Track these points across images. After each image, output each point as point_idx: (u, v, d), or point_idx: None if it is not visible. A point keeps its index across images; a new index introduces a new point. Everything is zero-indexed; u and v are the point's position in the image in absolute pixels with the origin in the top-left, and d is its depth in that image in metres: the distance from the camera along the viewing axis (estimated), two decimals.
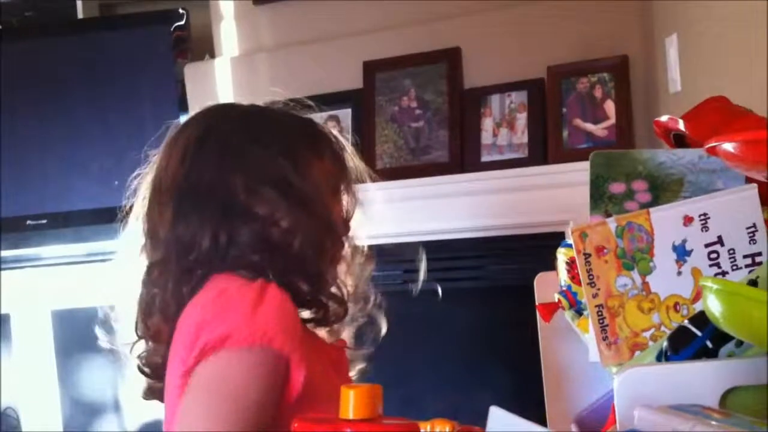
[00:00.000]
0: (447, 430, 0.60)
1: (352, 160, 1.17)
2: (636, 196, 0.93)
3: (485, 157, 2.08)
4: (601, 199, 0.94)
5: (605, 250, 0.80)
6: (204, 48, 2.48)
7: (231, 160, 1.05)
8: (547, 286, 1.36)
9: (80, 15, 2.63)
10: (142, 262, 1.07)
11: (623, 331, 0.80)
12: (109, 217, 2.46)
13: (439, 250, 1.98)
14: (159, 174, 1.08)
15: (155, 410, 2.40)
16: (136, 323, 1.06)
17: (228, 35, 2.42)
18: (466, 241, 2.03)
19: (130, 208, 1.14)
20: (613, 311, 0.80)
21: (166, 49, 2.53)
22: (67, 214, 2.52)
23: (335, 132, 1.20)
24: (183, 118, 2.37)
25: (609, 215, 0.90)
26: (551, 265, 1.24)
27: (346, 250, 1.13)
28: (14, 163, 2.58)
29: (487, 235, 2.01)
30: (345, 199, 1.15)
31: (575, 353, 1.38)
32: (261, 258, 1.00)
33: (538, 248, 1.73)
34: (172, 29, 2.53)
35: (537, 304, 1.37)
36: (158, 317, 1.02)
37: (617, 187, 0.94)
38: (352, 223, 1.15)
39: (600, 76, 1.99)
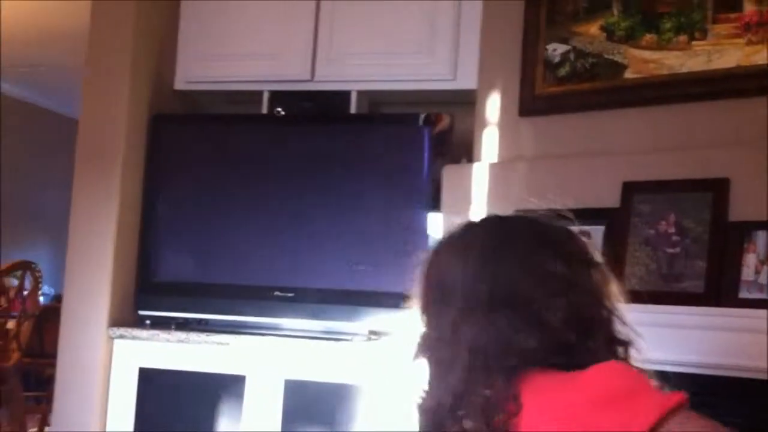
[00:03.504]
0: None
1: None
2: None
3: (743, 294, 1.99)
4: None
5: None
6: (463, 151, 2.59)
7: (527, 268, 1.12)
8: None
9: (352, 110, 2.82)
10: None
11: None
12: (352, 299, 2.62)
13: (683, 385, 1.88)
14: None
15: None
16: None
17: (489, 142, 2.50)
18: (715, 379, 1.92)
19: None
20: None
21: (425, 149, 2.67)
22: (313, 291, 2.67)
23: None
24: (439, 218, 2.47)
25: None
26: None
27: None
28: (269, 236, 2.79)
29: (739, 375, 1.89)
30: None
31: None
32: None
33: None
34: (434, 131, 2.67)
35: None
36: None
37: None
38: None
39: None
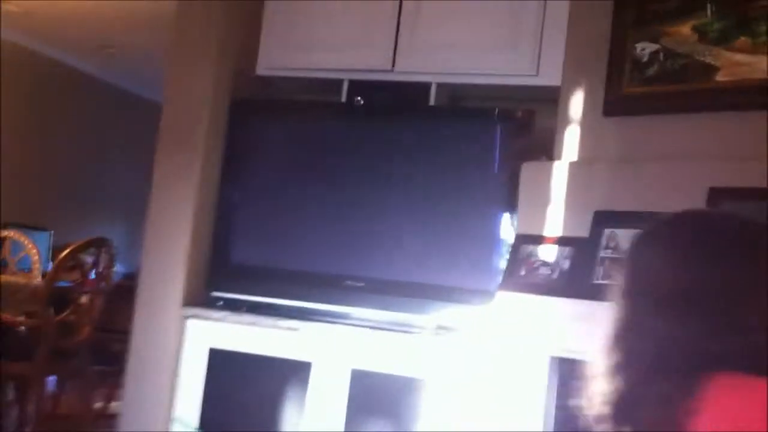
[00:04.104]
0: None
1: None
2: None
3: None
4: None
5: None
6: (543, 148, 2.56)
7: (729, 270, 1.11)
8: None
9: (431, 102, 2.81)
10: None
11: None
12: (421, 293, 2.61)
13: None
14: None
15: None
16: None
17: (571, 140, 2.47)
18: None
19: None
20: None
21: (496, 144, 2.64)
22: (384, 282, 2.67)
23: None
24: (514, 214, 2.44)
25: None
26: None
27: None
28: (342, 224, 2.80)
29: None
30: None
31: None
32: None
33: None
34: (513, 127, 2.64)
35: None
36: None
37: None
38: None
39: None
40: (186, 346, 2.81)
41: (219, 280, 2.88)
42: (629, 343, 1.11)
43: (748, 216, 1.18)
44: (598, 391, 1.14)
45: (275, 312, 2.78)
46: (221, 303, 2.83)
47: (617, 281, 1.17)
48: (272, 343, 2.72)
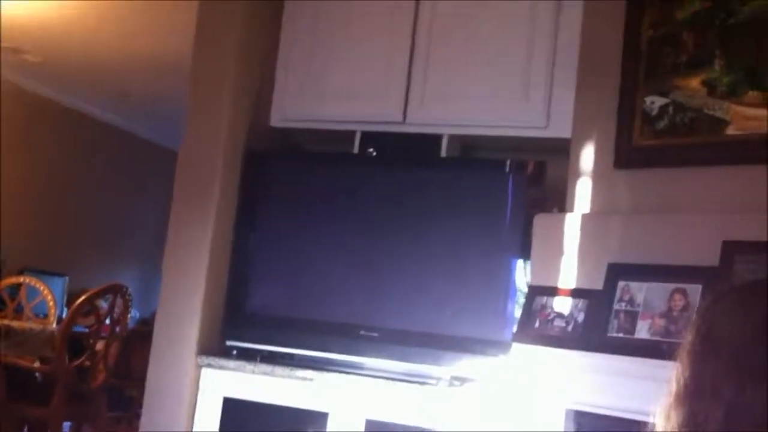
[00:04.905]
0: None
1: None
2: None
3: None
4: None
5: None
6: (555, 200, 2.58)
7: None
8: None
9: (443, 153, 2.84)
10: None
11: None
12: (436, 343, 2.61)
13: None
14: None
15: None
16: None
17: (582, 192, 2.49)
18: None
19: None
20: None
21: (509, 195, 2.67)
22: (398, 332, 2.68)
23: None
24: (527, 265, 2.46)
25: None
26: None
27: None
28: (357, 274, 2.82)
29: None
30: None
31: None
32: None
33: None
34: (525, 178, 2.67)
35: None
36: None
37: None
38: None
39: None
40: (200, 394, 2.82)
41: (234, 329, 2.90)
42: (695, 404, 1.08)
43: None
44: None
45: (290, 362, 2.79)
46: (235, 352, 2.85)
47: (685, 340, 1.14)
48: (287, 392, 2.73)
